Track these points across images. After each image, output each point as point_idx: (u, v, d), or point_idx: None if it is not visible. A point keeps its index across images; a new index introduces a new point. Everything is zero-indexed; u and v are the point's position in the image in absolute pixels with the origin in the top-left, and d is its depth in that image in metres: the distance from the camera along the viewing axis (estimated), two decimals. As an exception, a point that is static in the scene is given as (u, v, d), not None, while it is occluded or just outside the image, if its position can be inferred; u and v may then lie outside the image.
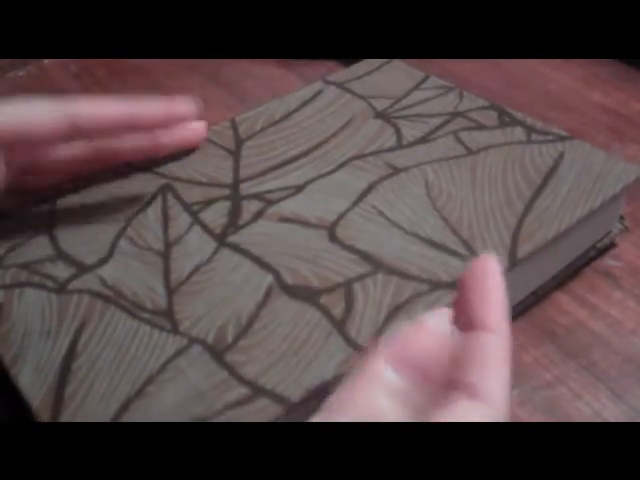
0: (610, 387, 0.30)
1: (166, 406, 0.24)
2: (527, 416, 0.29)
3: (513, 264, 0.29)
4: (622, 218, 0.36)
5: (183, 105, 0.36)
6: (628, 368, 0.30)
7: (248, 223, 0.32)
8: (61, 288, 0.30)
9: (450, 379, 0.20)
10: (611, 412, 0.29)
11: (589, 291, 0.34)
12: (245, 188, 0.34)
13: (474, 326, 0.20)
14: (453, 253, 0.30)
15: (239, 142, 0.38)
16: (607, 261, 0.35)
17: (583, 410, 0.29)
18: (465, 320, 0.20)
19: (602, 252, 0.36)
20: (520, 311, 0.33)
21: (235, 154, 0.37)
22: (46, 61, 0.57)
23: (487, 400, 0.19)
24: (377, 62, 0.44)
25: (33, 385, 0.26)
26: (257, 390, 0.25)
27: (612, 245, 0.36)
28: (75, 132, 0.32)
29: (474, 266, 0.21)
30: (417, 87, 0.41)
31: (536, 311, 0.33)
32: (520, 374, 0.30)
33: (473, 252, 0.30)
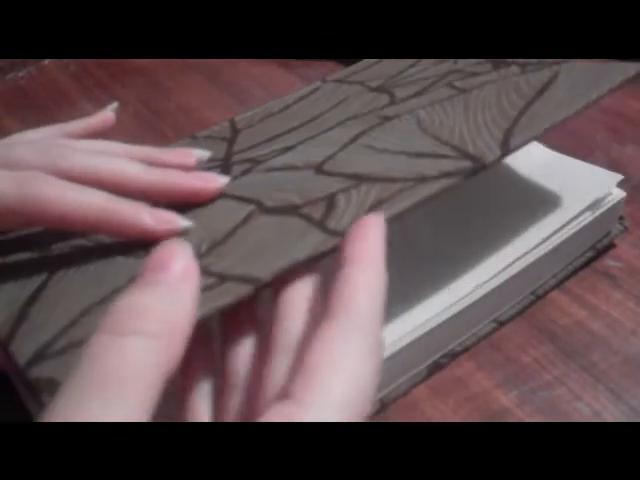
0: (609, 388, 0.30)
1: None
2: (526, 416, 0.29)
3: (505, 153, 0.27)
4: (622, 219, 0.36)
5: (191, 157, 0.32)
6: (628, 369, 0.30)
7: (236, 178, 0.31)
8: (41, 244, 0.29)
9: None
10: (610, 412, 0.29)
11: (589, 291, 0.34)
12: (236, 157, 0.34)
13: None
14: (442, 156, 0.28)
15: (235, 132, 0.37)
16: (607, 261, 0.35)
17: (582, 410, 0.29)
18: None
19: (602, 252, 0.36)
20: (520, 311, 0.33)
21: (230, 140, 0.36)
22: (46, 62, 0.57)
23: (351, 314, 0.20)
24: (375, 60, 0.44)
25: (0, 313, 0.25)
26: (225, 277, 0.23)
27: (612, 245, 0.36)
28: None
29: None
30: (413, 65, 0.41)
31: (536, 311, 0.33)
32: (520, 374, 0.30)
33: (463, 152, 0.28)
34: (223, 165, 0.33)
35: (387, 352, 0.28)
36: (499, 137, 0.28)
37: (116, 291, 0.24)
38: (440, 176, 0.26)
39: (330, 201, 0.26)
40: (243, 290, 0.22)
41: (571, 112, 0.29)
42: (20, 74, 0.56)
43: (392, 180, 0.27)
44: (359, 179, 0.28)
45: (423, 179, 0.26)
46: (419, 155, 0.28)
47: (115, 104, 0.37)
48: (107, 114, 0.36)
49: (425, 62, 0.41)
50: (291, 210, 0.27)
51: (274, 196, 0.28)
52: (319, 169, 0.30)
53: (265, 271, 0.23)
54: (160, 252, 0.19)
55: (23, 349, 0.23)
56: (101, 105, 0.51)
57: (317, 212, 0.26)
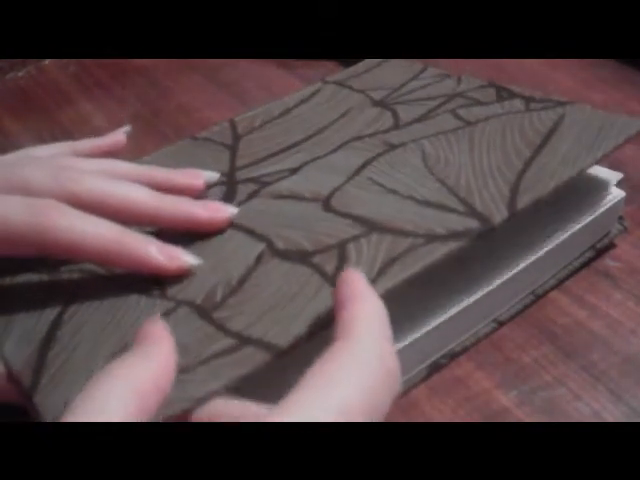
0: (609, 388, 0.30)
1: None
2: (526, 416, 0.29)
3: (513, 214, 0.28)
4: (621, 218, 0.36)
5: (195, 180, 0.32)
6: (627, 368, 0.30)
7: (242, 203, 0.32)
8: (52, 269, 0.29)
9: None
10: (610, 412, 0.29)
11: (588, 291, 0.34)
12: (241, 174, 0.34)
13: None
14: (450, 210, 0.29)
15: (237, 137, 0.37)
16: (606, 261, 0.35)
17: (582, 410, 0.29)
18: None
19: (601, 252, 0.36)
20: (519, 311, 0.33)
21: (232, 148, 0.37)
22: (46, 62, 0.57)
23: (349, 339, 0.20)
24: (376, 61, 0.44)
25: (16, 352, 0.25)
26: (244, 340, 0.24)
27: (611, 245, 0.36)
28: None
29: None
30: (415, 77, 0.41)
31: (535, 311, 0.33)
32: (519, 374, 0.30)
33: (470, 207, 0.29)
34: (228, 183, 0.33)
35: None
36: (505, 194, 0.29)
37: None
38: (449, 236, 0.27)
39: (341, 251, 0.27)
40: (261, 358, 0.23)
41: (575, 172, 0.30)
42: (20, 74, 0.56)
43: (402, 233, 0.28)
44: (369, 226, 0.28)
45: (433, 237, 0.27)
46: (427, 204, 0.29)
47: (128, 127, 0.36)
48: (118, 136, 0.36)
49: (427, 75, 0.41)
50: (302, 257, 0.27)
51: (284, 235, 0.29)
52: (327, 204, 0.30)
53: (283, 338, 0.24)
54: (140, 330, 0.22)
55: (48, 407, 0.23)
56: (101, 105, 0.52)
57: (329, 264, 0.27)
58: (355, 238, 0.28)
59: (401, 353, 0.29)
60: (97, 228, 0.27)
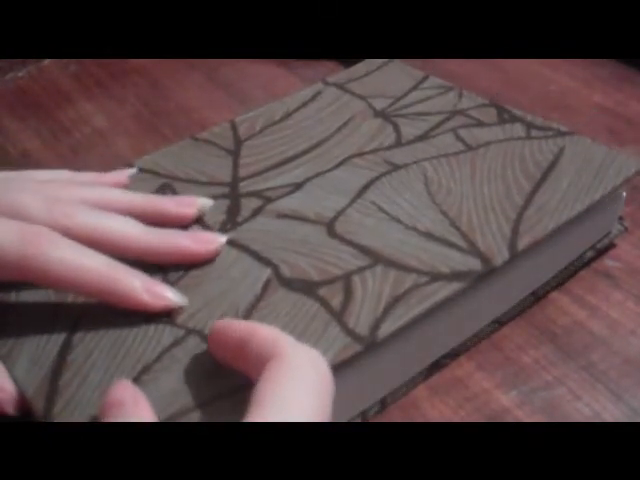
0: (609, 388, 0.30)
1: (160, 393, 0.24)
2: (526, 417, 0.29)
3: (514, 256, 0.29)
4: (622, 219, 0.36)
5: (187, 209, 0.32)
6: (627, 369, 0.30)
7: (247, 220, 0.32)
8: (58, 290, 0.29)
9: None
10: (610, 413, 0.29)
11: (589, 292, 0.34)
12: (244, 186, 0.34)
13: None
14: (452, 246, 0.30)
15: (238, 142, 0.38)
16: (607, 262, 0.35)
17: (582, 411, 0.29)
18: None
19: (602, 253, 0.36)
20: (520, 311, 0.33)
21: (234, 154, 0.37)
22: (46, 62, 0.57)
23: (276, 358, 0.22)
24: (377, 62, 0.44)
25: (28, 376, 0.26)
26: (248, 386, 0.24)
27: (612, 246, 0.36)
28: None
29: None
30: (416, 87, 0.41)
31: (536, 311, 0.33)
32: (519, 375, 0.30)
33: (472, 244, 0.30)
34: (231, 196, 0.34)
35: (387, 352, 0.28)
36: (507, 234, 0.30)
37: (145, 371, 0.25)
38: (452, 276, 0.28)
39: (346, 283, 0.28)
40: None
41: (573, 213, 0.31)
42: (20, 74, 0.56)
43: (406, 268, 0.29)
44: (373, 257, 0.29)
45: (436, 276, 0.28)
46: (429, 236, 0.30)
47: (134, 170, 0.36)
48: (121, 177, 0.35)
49: (428, 85, 0.41)
50: (308, 288, 0.28)
51: (290, 261, 0.29)
52: (331, 229, 0.31)
53: None
54: (111, 395, 0.23)
55: None
56: (101, 105, 0.52)
57: (335, 298, 0.28)
58: (360, 270, 0.29)
59: (401, 353, 0.29)
60: (87, 261, 0.26)
